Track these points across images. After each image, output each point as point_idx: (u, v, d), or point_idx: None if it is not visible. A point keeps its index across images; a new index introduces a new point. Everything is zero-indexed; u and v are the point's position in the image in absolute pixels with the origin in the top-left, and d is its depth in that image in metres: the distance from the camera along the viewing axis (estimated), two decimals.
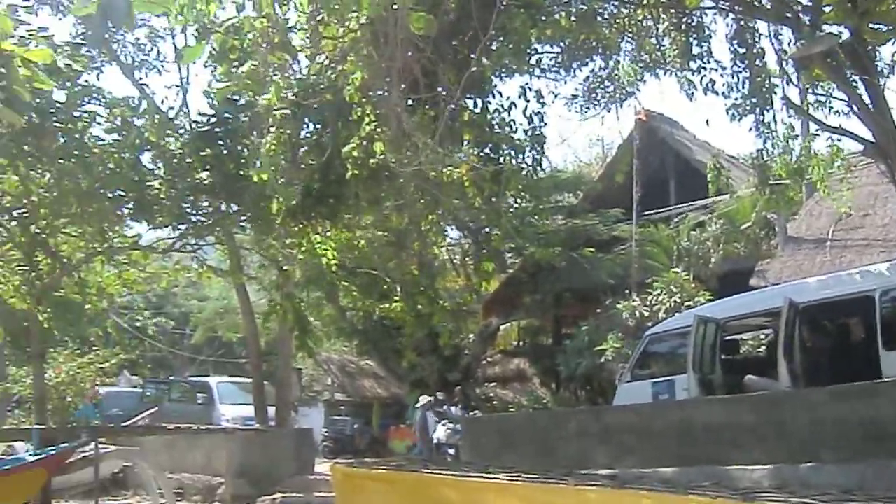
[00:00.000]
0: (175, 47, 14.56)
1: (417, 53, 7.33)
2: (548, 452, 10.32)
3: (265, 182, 8.70)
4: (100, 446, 12.40)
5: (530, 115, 9.09)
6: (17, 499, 11.08)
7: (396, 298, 16.08)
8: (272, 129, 7.83)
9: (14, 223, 14.23)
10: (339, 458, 20.96)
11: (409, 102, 8.00)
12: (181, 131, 13.05)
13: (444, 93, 8.01)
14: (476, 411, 22.41)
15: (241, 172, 11.81)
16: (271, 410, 18.08)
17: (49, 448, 11.09)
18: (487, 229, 13.25)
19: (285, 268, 15.31)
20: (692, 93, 11.10)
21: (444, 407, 21.49)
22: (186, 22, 6.37)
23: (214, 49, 6.90)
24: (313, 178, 9.37)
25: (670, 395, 12.72)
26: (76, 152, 11.28)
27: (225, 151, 12.19)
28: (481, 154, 9.23)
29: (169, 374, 38.32)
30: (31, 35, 6.03)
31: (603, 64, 12.14)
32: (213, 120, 12.24)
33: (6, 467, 10.87)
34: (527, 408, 22.39)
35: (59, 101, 11.17)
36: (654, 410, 11.13)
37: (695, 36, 10.92)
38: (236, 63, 7.15)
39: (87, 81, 12.02)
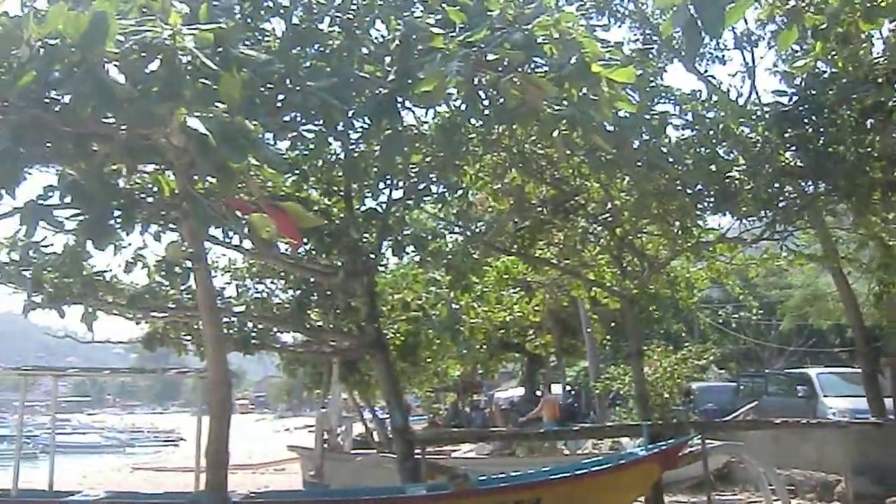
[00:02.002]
0: (734, 34, 14.77)
1: None
2: None
3: None
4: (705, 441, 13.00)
5: None
6: (634, 492, 12.12)
7: None
8: None
9: (600, 228, 15.56)
10: None
11: None
12: (754, 117, 13.14)
13: None
14: None
15: (830, 150, 11.48)
16: (887, 402, 17.23)
17: (659, 443, 11.94)
18: None
19: (891, 243, 14.57)
20: None
21: None
22: (774, 11, 6.42)
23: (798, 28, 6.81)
24: None
25: None
26: (655, 154, 11.93)
27: (810, 130, 11.99)
28: None
29: (757, 368, 38.41)
30: (610, 53, 6.43)
31: None
32: (794, 99, 12.12)
33: (621, 462, 11.96)
34: None
35: (629, 112, 11.86)
36: None
37: None
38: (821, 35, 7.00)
39: (654, 83, 12.69)
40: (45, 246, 11.71)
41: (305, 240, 12.94)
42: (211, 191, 7.84)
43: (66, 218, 8.00)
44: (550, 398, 27.84)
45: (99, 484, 24.55)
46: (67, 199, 8.08)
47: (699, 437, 12.85)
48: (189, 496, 12.73)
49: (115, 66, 4.92)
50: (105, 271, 13.28)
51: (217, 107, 5.11)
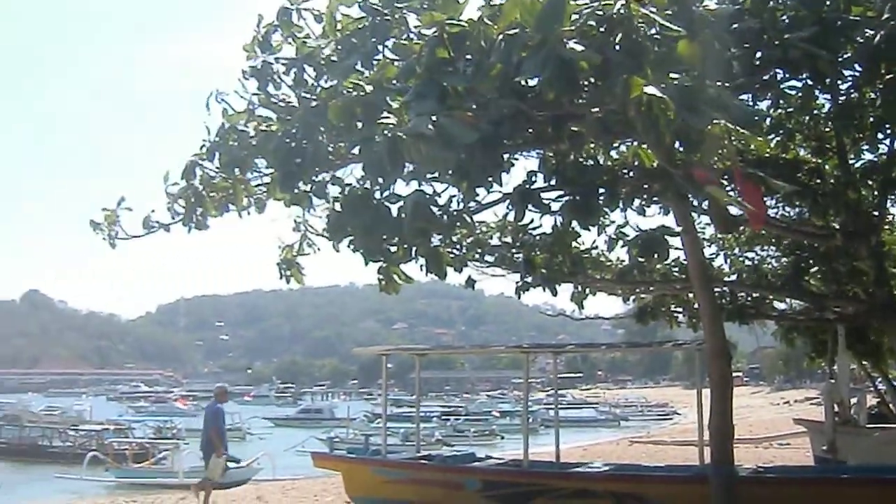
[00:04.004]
0: None
1: None
2: None
3: None
4: None
5: None
6: None
7: None
8: None
9: None
10: None
11: None
12: None
13: None
14: None
15: None
16: None
17: None
18: None
19: None
20: None
21: None
22: None
23: None
24: None
25: None
26: None
27: None
28: None
29: None
30: None
31: None
32: None
33: None
34: None
35: None
36: None
37: None
38: None
39: None
40: (534, 228, 12.53)
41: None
42: (688, 161, 7.92)
43: (553, 200, 8.62)
44: None
45: (598, 457, 25.95)
46: (552, 182, 8.71)
47: None
48: (694, 469, 13.03)
49: (575, 43, 5.14)
50: (592, 248, 13.97)
51: (680, 72, 5.12)
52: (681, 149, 5.80)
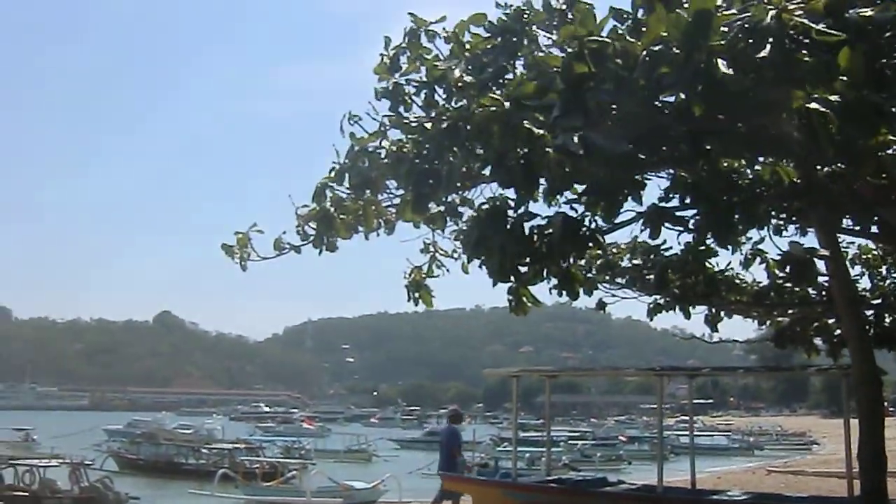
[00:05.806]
0: None
1: None
2: None
3: None
4: None
5: None
6: None
7: None
8: None
9: None
10: None
11: None
12: None
13: None
14: None
15: None
16: None
17: None
18: None
19: None
20: None
21: None
22: None
23: None
24: None
25: None
26: None
27: None
28: None
29: None
30: None
31: None
32: None
33: None
34: None
35: None
36: None
37: None
38: None
39: None
40: (666, 249, 12.31)
41: None
42: (840, 175, 7.63)
43: (688, 218, 8.47)
44: None
45: (734, 485, 25.22)
46: (686, 200, 8.54)
47: None
48: (842, 501, 12.54)
49: (722, 58, 5.05)
50: (726, 269, 13.62)
51: (839, 83, 4.94)
52: (842, 163, 5.61)
